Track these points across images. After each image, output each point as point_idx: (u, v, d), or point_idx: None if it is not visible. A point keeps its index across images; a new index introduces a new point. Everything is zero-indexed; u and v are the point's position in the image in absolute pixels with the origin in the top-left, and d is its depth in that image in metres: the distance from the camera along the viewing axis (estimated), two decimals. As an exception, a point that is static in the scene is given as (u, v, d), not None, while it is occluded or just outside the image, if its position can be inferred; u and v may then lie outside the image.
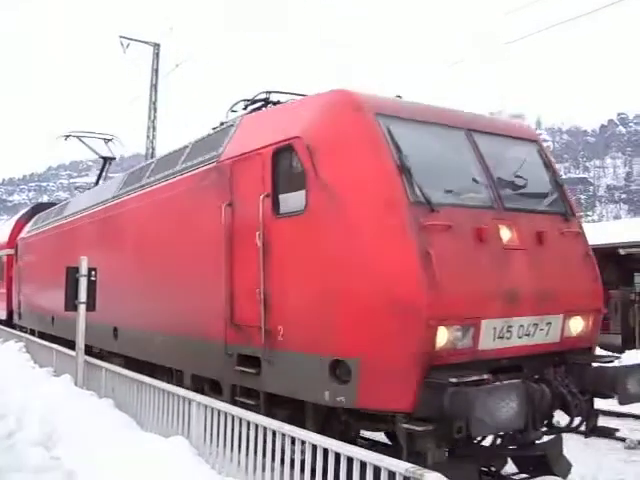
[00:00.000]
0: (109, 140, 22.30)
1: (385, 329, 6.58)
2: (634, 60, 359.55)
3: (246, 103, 10.27)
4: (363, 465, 5.33)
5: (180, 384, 9.80)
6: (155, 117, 38.82)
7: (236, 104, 10.39)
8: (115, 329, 13.27)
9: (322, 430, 7.08)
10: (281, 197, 7.97)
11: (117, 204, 13.67)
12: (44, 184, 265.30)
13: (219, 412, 7.57)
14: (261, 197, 8.05)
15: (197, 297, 9.75)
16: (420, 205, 6.91)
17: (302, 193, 7.52)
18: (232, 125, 9.77)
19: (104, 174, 21.95)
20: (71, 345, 14.01)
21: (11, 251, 26.24)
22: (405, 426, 6.46)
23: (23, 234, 24.47)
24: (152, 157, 30.14)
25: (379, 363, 6.57)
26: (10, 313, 26.25)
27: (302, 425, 7.15)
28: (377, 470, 5.16)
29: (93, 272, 11.63)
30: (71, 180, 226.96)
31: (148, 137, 39.08)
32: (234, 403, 8.24)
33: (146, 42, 36.91)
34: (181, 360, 10.39)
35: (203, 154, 10.06)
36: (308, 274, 7.38)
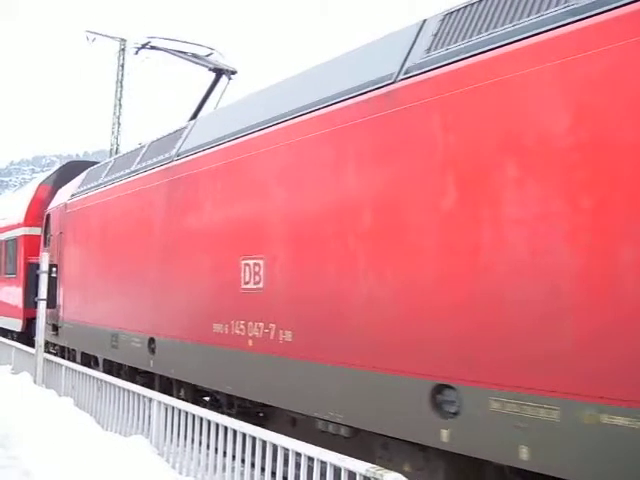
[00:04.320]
0: (209, 55, 14.39)
1: None
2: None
3: None
4: (324, 465, 5.30)
5: None
6: (120, 113, 38.61)
7: None
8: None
9: None
10: None
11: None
12: (6, 179, 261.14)
13: (179, 411, 7.52)
14: None
15: None
16: None
17: None
18: None
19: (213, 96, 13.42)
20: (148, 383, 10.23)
21: (31, 230, 18.10)
22: None
23: (61, 200, 15.26)
24: (116, 153, 29.70)
25: None
26: (29, 323, 17.15)
27: None
28: (337, 470, 5.17)
29: (54, 269, 11.54)
30: (33, 175, 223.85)
31: (113, 133, 38.88)
32: None
33: (112, 37, 36.70)
34: None
35: None
36: None
